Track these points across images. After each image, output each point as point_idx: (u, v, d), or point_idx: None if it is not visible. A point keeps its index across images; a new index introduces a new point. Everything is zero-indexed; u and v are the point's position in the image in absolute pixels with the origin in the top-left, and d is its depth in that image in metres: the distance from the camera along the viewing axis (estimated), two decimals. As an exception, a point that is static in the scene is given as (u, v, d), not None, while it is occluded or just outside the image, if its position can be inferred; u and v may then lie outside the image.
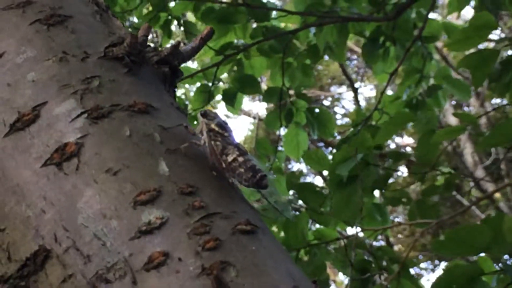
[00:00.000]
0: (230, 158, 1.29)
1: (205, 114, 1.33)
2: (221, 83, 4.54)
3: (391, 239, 9.80)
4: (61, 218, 1.24)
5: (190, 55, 1.42)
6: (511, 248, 2.42)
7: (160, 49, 1.42)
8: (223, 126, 1.32)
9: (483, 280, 2.36)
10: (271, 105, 4.64)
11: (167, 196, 1.23)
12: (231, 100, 4.45)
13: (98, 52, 1.39)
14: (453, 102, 10.52)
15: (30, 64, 1.37)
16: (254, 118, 11.07)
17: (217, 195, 1.26)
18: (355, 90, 7.11)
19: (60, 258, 1.22)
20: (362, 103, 11.23)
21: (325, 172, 4.00)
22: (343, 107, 11.92)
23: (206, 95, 4.31)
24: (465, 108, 10.82)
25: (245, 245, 1.21)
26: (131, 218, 1.21)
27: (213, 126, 1.32)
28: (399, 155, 3.80)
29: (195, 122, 3.85)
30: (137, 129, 1.31)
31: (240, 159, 1.29)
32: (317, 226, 4.12)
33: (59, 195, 1.25)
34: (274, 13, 4.43)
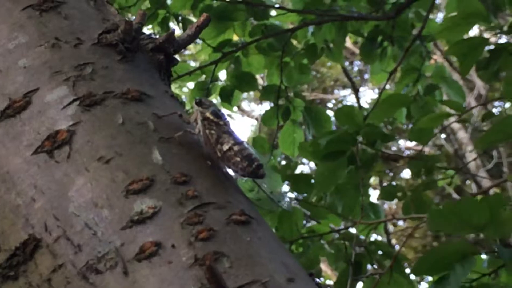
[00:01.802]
0: (225, 147, 1.27)
1: (200, 103, 1.31)
2: (219, 82, 4.51)
3: (394, 241, 9.78)
4: (51, 206, 1.21)
5: (186, 43, 1.39)
6: (506, 230, 2.38)
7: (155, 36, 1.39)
8: (218, 114, 1.29)
9: (474, 258, 2.32)
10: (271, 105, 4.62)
11: (160, 185, 1.21)
12: (227, 97, 4.43)
13: (91, 39, 1.37)
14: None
15: (22, 50, 1.35)
16: (257, 120, 11.06)
17: (211, 185, 1.23)
18: (356, 92, 7.08)
19: (50, 248, 1.19)
20: (366, 106, 11.22)
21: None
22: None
23: (204, 92, 4.28)
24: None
25: (239, 236, 1.18)
26: (123, 207, 1.19)
27: (208, 114, 1.29)
28: (386, 136, 3.76)
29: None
30: (130, 117, 1.28)
31: (236, 148, 1.26)
32: (311, 223, 4.11)
33: (50, 184, 1.23)
34: (273, 12, 4.42)
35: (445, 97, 4.47)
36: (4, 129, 1.29)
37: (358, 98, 7.49)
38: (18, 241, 1.22)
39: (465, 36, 3.50)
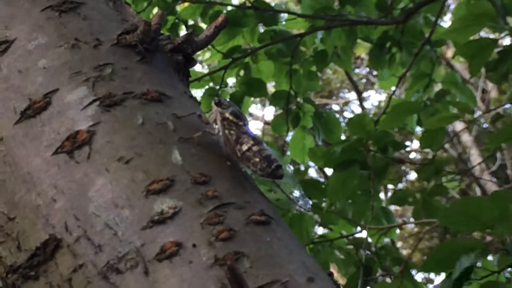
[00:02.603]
0: (244, 147, 1.27)
1: (219, 103, 1.31)
2: (228, 87, 4.52)
3: (400, 244, 9.77)
4: (72, 207, 1.21)
5: (204, 44, 1.40)
6: None
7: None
8: (237, 115, 1.30)
9: (481, 251, 2.32)
10: (280, 110, 4.62)
11: (180, 185, 1.21)
12: (238, 103, 4.42)
13: (110, 40, 1.37)
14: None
15: (42, 51, 1.35)
16: (265, 123, 11.07)
17: (231, 185, 1.23)
18: (359, 94, 7.06)
19: (71, 248, 1.20)
20: (372, 108, 11.22)
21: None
22: (352, 112, 11.91)
23: (214, 98, 4.27)
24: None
25: (259, 236, 1.18)
26: (143, 207, 1.19)
27: (227, 115, 1.29)
28: (398, 144, 3.77)
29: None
30: (150, 117, 1.28)
31: (255, 148, 1.26)
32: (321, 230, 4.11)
33: (70, 184, 1.23)
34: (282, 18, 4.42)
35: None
36: (24, 129, 1.29)
37: (361, 101, 7.47)
38: (39, 241, 1.22)
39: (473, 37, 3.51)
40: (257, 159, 1.26)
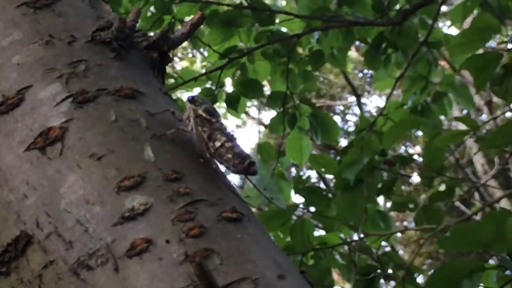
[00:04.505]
0: (217, 144, 1.26)
1: (192, 100, 1.30)
2: (225, 88, 4.51)
3: (400, 248, 9.75)
4: (43, 203, 1.21)
5: (180, 41, 1.39)
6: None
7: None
8: (210, 112, 1.29)
9: (481, 273, 2.34)
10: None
11: (152, 182, 1.21)
12: (234, 104, 4.42)
13: (85, 36, 1.37)
14: (465, 111, 10.46)
15: (16, 47, 1.35)
16: (264, 126, 11.05)
17: (203, 182, 1.23)
18: (358, 98, 7.03)
19: (42, 244, 1.19)
20: (373, 111, 11.22)
21: (329, 176, 3.98)
22: (354, 114, 11.92)
23: (210, 99, 4.28)
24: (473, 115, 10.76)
25: (230, 233, 1.18)
26: (114, 204, 1.19)
27: (200, 112, 1.29)
28: (405, 159, 3.77)
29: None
30: (123, 114, 1.28)
31: (228, 144, 1.26)
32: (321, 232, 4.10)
33: (42, 180, 1.23)
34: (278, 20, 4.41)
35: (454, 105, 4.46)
36: (-3, 126, 1.29)
37: (360, 104, 7.46)
38: (10, 237, 1.22)
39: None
40: (230, 155, 1.26)
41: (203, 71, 5.01)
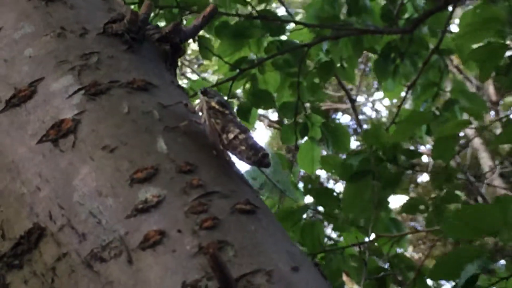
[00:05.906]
0: (231, 136, 1.26)
1: (205, 92, 1.30)
2: (235, 99, 4.51)
3: (411, 249, 9.73)
4: (56, 195, 1.21)
5: (192, 34, 1.39)
6: None
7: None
8: (223, 104, 1.29)
9: (486, 258, 2.31)
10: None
11: (165, 174, 1.20)
12: (246, 114, 4.41)
13: (97, 28, 1.37)
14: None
15: (28, 40, 1.35)
16: (270, 127, 11.04)
17: (216, 174, 1.23)
18: (352, 102, 7.00)
19: (55, 236, 1.19)
20: (373, 115, 11.24)
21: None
22: (364, 114, 11.91)
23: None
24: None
25: (244, 225, 1.17)
26: (127, 196, 1.18)
27: (213, 104, 1.29)
28: (412, 153, 3.76)
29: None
30: (135, 106, 1.28)
31: (241, 136, 1.25)
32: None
33: (54, 172, 1.22)
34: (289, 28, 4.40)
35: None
36: (9, 118, 1.29)
37: (354, 108, 7.43)
38: (23, 229, 1.21)
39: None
40: (244, 147, 1.25)
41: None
